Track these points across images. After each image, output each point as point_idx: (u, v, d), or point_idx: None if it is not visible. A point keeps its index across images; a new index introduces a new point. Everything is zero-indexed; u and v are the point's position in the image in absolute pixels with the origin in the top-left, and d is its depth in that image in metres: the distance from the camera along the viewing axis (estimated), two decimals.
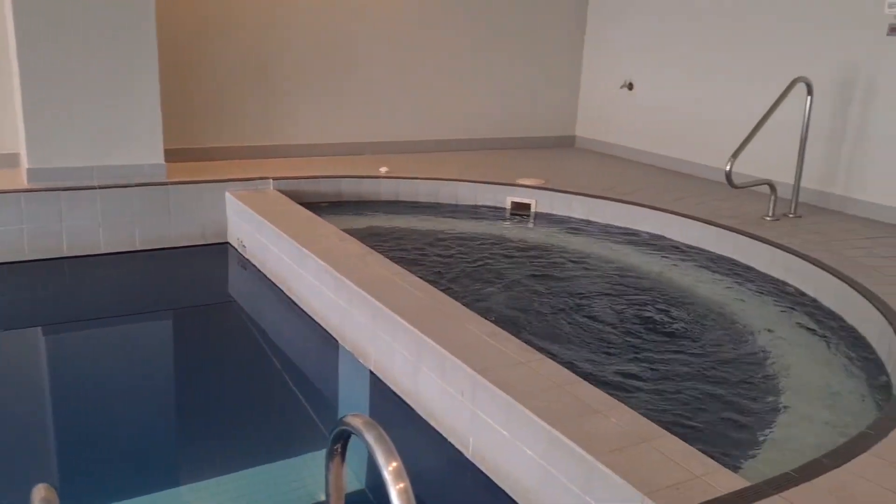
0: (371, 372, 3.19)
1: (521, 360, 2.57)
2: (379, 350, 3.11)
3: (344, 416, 1.32)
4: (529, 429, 2.23)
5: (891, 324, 3.01)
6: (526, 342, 2.82)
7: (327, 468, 1.44)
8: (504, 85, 7.00)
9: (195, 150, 5.56)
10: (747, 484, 1.86)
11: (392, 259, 3.71)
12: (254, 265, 4.48)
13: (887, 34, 4.75)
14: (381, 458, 1.21)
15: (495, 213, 5.26)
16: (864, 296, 3.36)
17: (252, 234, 4.49)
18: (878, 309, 3.19)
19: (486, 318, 2.97)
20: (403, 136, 6.56)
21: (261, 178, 4.98)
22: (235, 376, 3.36)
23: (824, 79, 5.09)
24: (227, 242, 4.87)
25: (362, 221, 4.92)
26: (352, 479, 2.46)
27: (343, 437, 1.39)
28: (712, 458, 2.05)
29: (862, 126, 4.97)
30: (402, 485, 1.19)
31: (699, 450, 2.08)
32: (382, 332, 3.05)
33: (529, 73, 7.10)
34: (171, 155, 4.97)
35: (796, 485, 1.83)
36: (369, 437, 1.24)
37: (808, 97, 4.68)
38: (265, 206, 4.53)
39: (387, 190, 5.35)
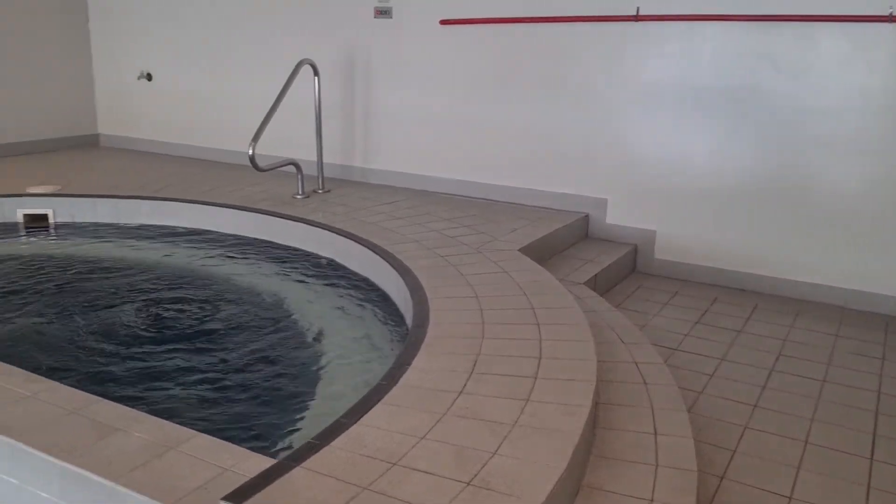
0: None
1: (27, 393, 2.25)
2: None
3: None
4: (40, 469, 1.96)
5: (402, 277, 3.32)
6: (38, 370, 2.49)
7: None
8: (2, 85, 6.14)
9: None
10: (273, 463, 1.86)
11: None
12: None
13: (375, 16, 5.21)
14: None
15: (5, 229, 4.59)
16: (382, 256, 3.66)
17: None
18: (392, 266, 3.49)
19: None
20: None
21: None
22: None
23: (329, 60, 5.41)
24: None
25: None
26: None
27: None
28: (248, 446, 2.02)
29: (368, 101, 5.41)
30: None
31: (234, 440, 2.04)
32: None
33: (28, 69, 6.34)
34: None
35: (317, 451, 1.88)
36: None
37: (316, 78, 4.93)
38: None
39: None
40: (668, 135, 4.33)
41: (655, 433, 2.28)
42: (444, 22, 4.94)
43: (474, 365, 2.43)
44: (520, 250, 3.83)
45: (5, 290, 3.71)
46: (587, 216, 4.68)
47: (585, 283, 3.84)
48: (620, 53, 4.39)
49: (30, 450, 1.96)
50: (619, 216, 4.59)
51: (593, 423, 2.27)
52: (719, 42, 4.09)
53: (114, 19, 6.64)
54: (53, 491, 1.96)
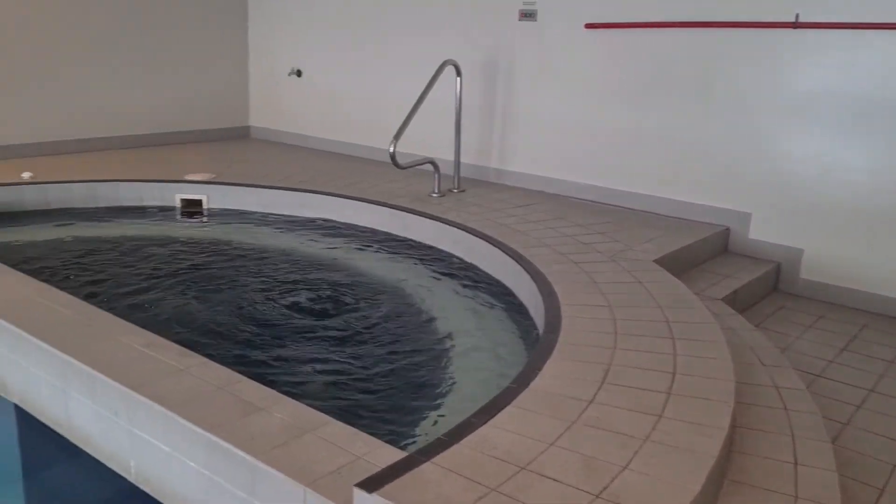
0: (16, 406, 2.80)
1: (180, 367, 2.41)
2: (21, 380, 2.75)
3: None
4: (189, 439, 2.09)
5: (535, 282, 3.31)
6: (191, 346, 2.66)
7: None
8: (165, 76, 6.59)
9: None
10: (404, 455, 1.90)
11: (40, 275, 3.30)
12: None
13: (519, 19, 5.22)
14: None
15: (164, 212, 4.94)
16: (516, 259, 3.66)
17: None
18: (525, 270, 3.49)
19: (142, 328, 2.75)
20: (51, 137, 5.91)
21: None
22: None
23: (471, 61, 5.46)
24: None
25: (3, 236, 4.33)
26: None
27: None
28: (377, 436, 2.09)
29: (507, 103, 5.43)
30: None
31: (365, 429, 2.11)
32: (21, 358, 2.69)
33: (191, 63, 6.77)
34: None
35: (446, 448, 1.91)
36: None
37: (458, 78, 5.00)
38: None
39: (33, 198, 4.76)
40: (824, 149, 4.09)
41: (796, 462, 2.17)
42: (589, 26, 4.88)
43: (605, 375, 2.40)
44: (655, 261, 3.74)
45: (164, 268, 3.98)
46: (728, 229, 4.50)
47: (723, 300, 3.70)
48: (775, 61, 4.19)
49: (182, 420, 2.10)
50: (763, 231, 4.39)
51: (729, 446, 2.19)
52: (887, 52, 3.83)
53: (270, 18, 6.98)
54: (199, 460, 2.09)
